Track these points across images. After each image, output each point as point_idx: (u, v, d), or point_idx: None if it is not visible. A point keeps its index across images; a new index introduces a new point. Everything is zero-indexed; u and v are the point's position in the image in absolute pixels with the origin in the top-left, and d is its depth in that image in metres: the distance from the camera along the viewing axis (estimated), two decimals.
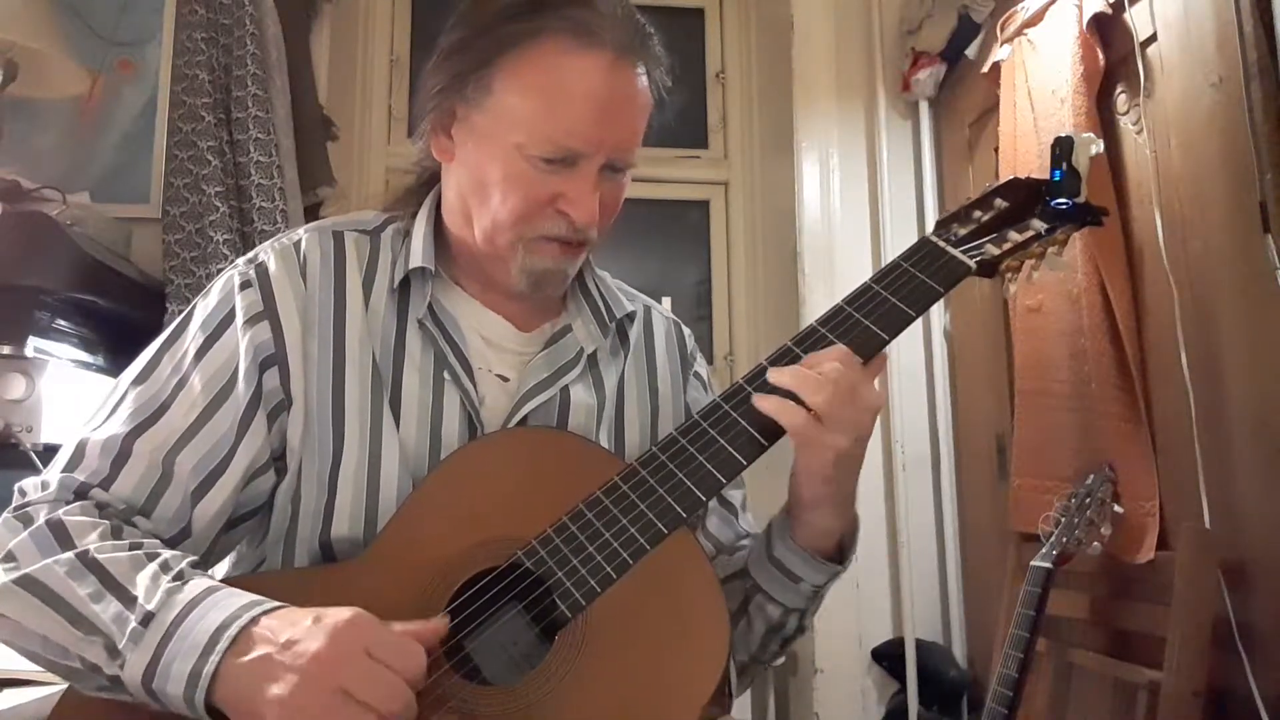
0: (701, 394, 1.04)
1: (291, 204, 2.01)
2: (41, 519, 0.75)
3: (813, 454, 0.82)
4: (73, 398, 1.58)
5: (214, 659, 0.66)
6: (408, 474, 0.85)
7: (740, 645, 0.93)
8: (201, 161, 1.91)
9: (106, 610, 0.69)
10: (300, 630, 0.66)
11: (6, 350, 1.54)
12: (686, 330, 1.08)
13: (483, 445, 0.85)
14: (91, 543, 0.73)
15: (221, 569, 0.92)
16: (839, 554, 0.90)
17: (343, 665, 0.64)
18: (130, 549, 0.74)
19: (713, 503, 0.99)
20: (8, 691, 1.08)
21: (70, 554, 0.72)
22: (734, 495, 1.03)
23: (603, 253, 0.98)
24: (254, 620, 0.68)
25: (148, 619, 0.68)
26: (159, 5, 2.16)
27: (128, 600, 0.70)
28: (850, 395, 0.80)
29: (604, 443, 0.93)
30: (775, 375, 0.82)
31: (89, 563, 0.72)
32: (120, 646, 0.68)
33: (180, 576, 0.72)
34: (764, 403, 0.81)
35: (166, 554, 0.74)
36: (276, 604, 0.70)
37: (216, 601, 0.69)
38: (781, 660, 0.97)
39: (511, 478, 0.83)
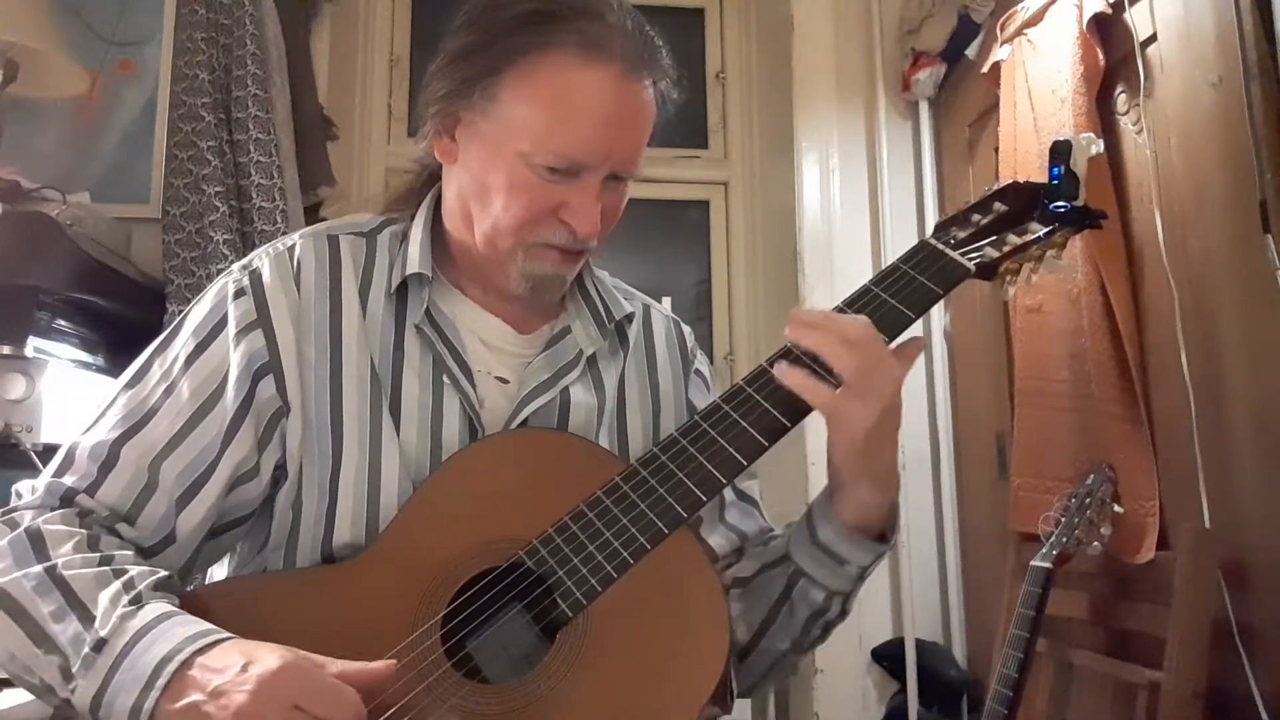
0: (703, 391, 1.03)
1: (291, 204, 2.01)
2: (23, 526, 0.75)
3: (842, 428, 0.81)
4: (73, 398, 1.58)
5: (154, 695, 0.66)
6: (408, 479, 0.84)
7: (781, 633, 0.90)
8: (201, 161, 1.91)
9: (66, 630, 0.70)
10: (228, 680, 0.65)
11: (6, 350, 1.54)
12: (686, 328, 1.08)
13: (483, 446, 0.85)
14: (64, 555, 0.73)
15: (221, 573, 0.92)
16: (883, 532, 0.88)
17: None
18: (99, 564, 0.73)
19: (731, 495, 0.98)
20: (7, 691, 1.08)
21: (40, 567, 0.72)
22: (750, 488, 1.01)
23: (603, 252, 0.98)
24: (187, 662, 0.67)
25: (100, 645, 0.68)
26: (159, 5, 2.16)
27: (86, 620, 0.70)
28: (875, 363, 0.79)
29: (605, 443, 0.93)
30: (797, 333, 0.81)
31: (55, 578, 0.72)
32: (74, 670, 0.68)
33: (138, 600, 0.71)
34: (789, 377, 0.80)
35: (133, 571, 0.74)
36: (215, 639, 0.69)
37: (163, 632, 0.69)
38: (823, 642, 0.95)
39: (512, 478, 0.83)
